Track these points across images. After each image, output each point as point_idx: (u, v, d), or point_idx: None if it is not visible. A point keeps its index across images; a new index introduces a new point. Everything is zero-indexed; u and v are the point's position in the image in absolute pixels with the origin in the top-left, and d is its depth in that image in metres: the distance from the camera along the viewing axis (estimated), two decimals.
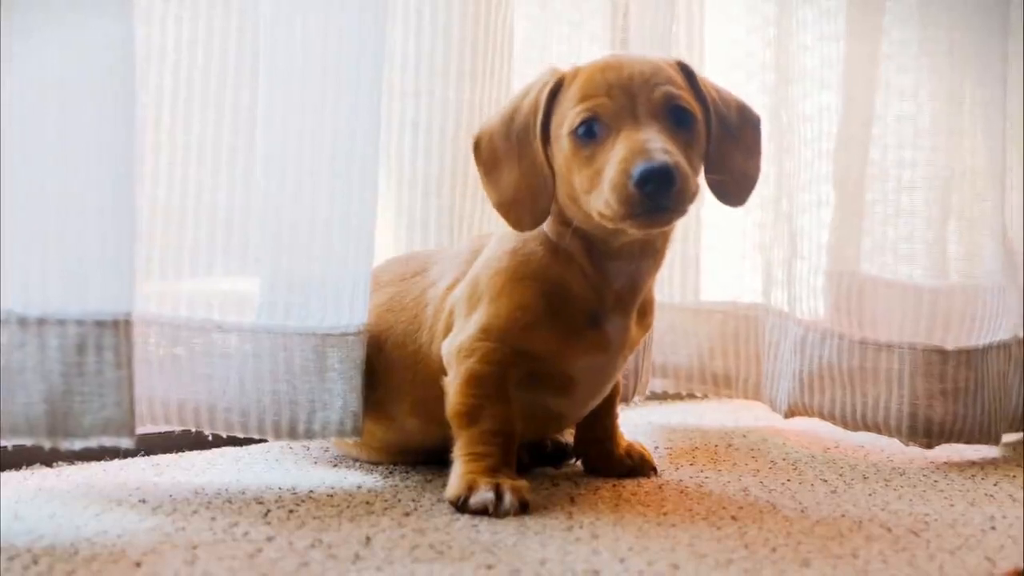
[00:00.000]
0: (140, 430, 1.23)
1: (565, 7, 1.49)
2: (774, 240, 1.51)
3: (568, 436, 1.28)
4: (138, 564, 0.86)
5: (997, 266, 1.44)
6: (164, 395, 1.13)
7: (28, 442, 0.97)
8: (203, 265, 1.15)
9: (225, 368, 1.13)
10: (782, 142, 1.49)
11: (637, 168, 0.97)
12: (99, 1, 0.97)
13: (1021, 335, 1.48)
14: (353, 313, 1.14)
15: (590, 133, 1.03)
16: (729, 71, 1.59)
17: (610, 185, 0.99)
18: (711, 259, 1.63)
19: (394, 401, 1.17)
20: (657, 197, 0.98)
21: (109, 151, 0.98)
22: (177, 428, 1.15)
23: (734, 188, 1.11)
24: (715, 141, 1.09)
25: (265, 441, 1.28)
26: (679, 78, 1.07)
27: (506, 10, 1.41)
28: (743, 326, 1.56)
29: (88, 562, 0.86)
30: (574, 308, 1.09)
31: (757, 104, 1.52)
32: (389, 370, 1.16)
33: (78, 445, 0.97)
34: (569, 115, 1.04)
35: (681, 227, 1.57)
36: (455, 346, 1.10)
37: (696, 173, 1.05)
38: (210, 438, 1.19)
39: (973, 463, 1.35)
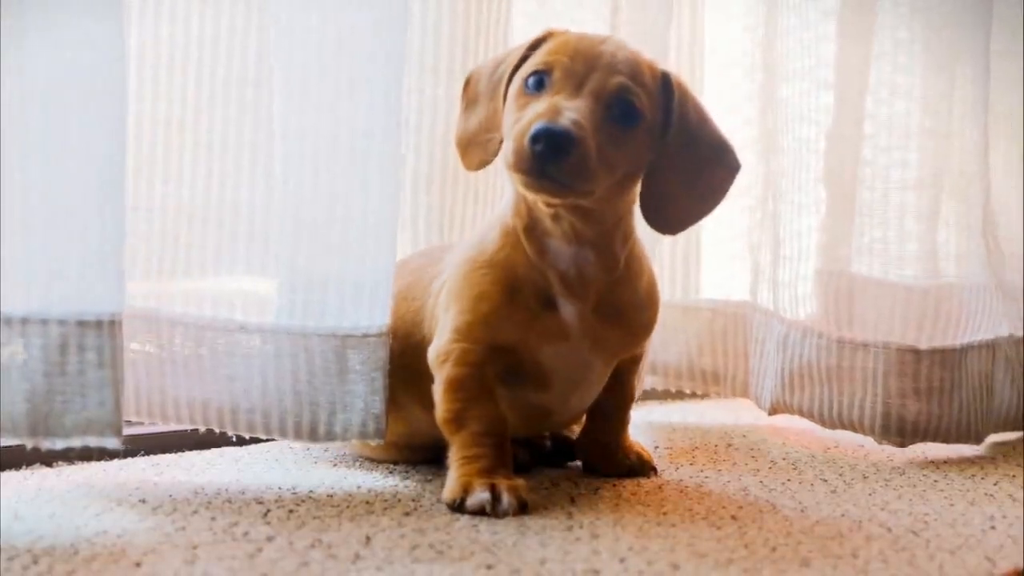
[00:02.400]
0: (144, 430, 1.25)
1: (566, 5, 1.49)
2: (762, 239, 1.51)
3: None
4: (138, 564, 0.86)
5: (978, 266, 1.44)
6: (188, 395, 1.13)
7: (10, 441, 0.97)
8: (225, 264, 1.15)
9: (247, 369, 1.13)
10: (771, 143, 1.49)
11: (536, 125, 0.98)
12: (85, 1, 0.97)
13: (1019, 335, 1.48)
14: (374, 313, 1.14)
15: (539, 85, 1.04)
16: (727, 69, 1.59)
17: (513, 134, 1.00)
18: (706, 258, 1.63)
19: (403, 388, 1.17)
20: (544, 161, 0.98)
21: (96, 151, 0.98)
22: (202, 428, 1.16)
23: (672, 217, 1.11)
24: (667, 163, 1.08)
25: (267, 441, 1.28)
26: (650, 81, 1.06)
27: (499, 8, 1.40)
28: (731, 324, 1.57)
29: (88, 562, 0.86)
30: (526, 290, 1.09)
31: (754, 104, 1.53)
32: (400, 357, 1.16)
33: (60, 445, 0.97)
34: (529, 63, 1.06)
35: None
36: (435, 352, 1.11)
37: (613, 169, 1.03)
38: (233, 438, 1.19)
39: (973, 463, 1.35)
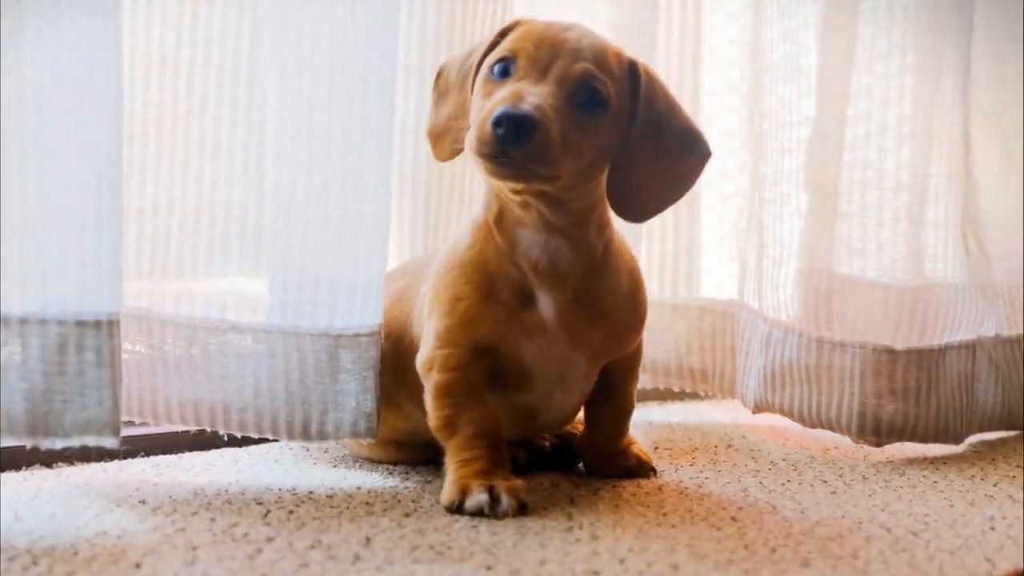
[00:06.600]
0: (143, 431, 1.25)
1: (563, 6, 1.49)
2: (749, 238, 1.52)
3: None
4: (138, 565, 0.86)
5: (959, 267, 1.45)
6: (180, 395, 1.14)
7: (9, 441, 0.98)
8: (218, 264, 1.16)
9: (240, 368, 1.13)
10: (763, 144, 1.49)
11: (498, 110, 0.98)
12: (84, 1, 0.97)
13: (1004, 335, 1.49)
14: (366, 313, 1.14)
15: (504, 72, 1.04)
16: (725, 70, 1.59)
17: (478, 120, 1.00)
18: (704, 257, 1.63)
19: (398, 387, 1.17)
20: (506, 144, 0.98)
21: (94, 151, 0.98)
22: (194, 428, 1.16)
23: (637, 205, 1.10)
24: (634, 151, 1.07)
25: (267, 441, 1.28)
26: (616, 69, 1.06)
27: (485, 8, 1.40)
28: (720, 322, 1.57)
29: (88, 563, 0.86)
30: (502, 286, 1.09)
31: (748, 105, 1.53)
32: (394, 358, 1.17)
33: (59, 444, 0.97)
34: (495, 51, 1.06)
35: (658, 225, 1.57)
36: (421, 360, 1.11)
37: (578, 156, 1.03)
38: (225, 437, 1.19)
39: (973, 464, 1.35)
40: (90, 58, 0.97)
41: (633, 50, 1.19)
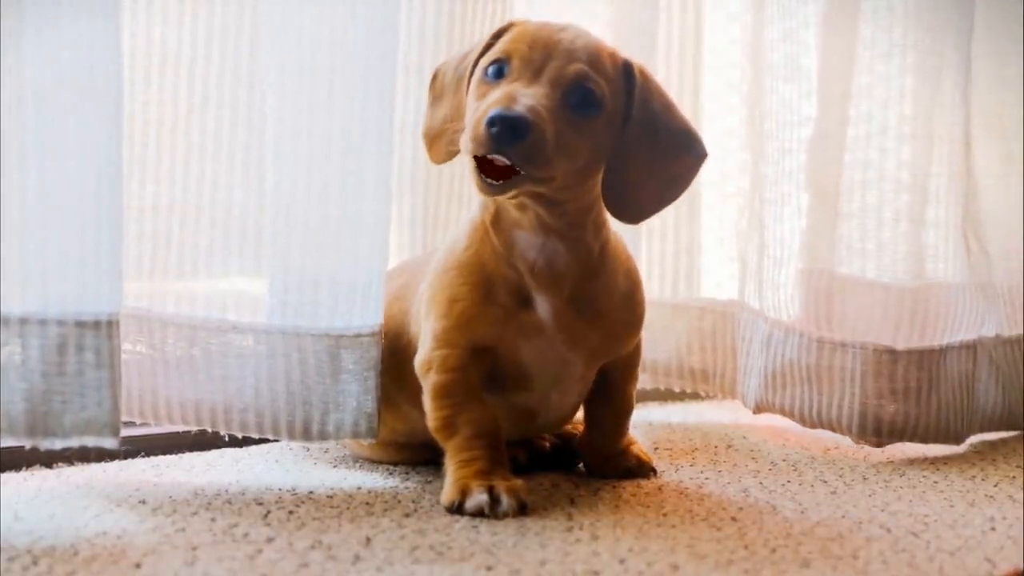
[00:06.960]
0: (144, 431, 1.25)
1: (563, 6, 1.49)
2: (749, 238, 1.52)
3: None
4: (138, 565, 0.86)
5: (959, 267, 1.45)
6: (181, 395, 1.14)
7: (9, 441, 0.98)
8: (218, 264, 1.16)
9: (241, 368, 1.13)
10: (763, 144, 1.49)
11: (492, 111, 0.98)
12: (84, 1, 0.97)
13: (1005, 335, 1.49)
14: (366, 313, 1.14)
15: (498, 73, 1.04)
16: (725, 70, 1.59)
17: (472, 122, 1.01)
18: (705, 257, 1.63)
19: (396, 387, 1.17)
20: (500, 144, 0.97)
21: (94, 151, 0.98)
22: (194, 428, 1.16)
23: (633, 206, 1.10)
24: (629, 151, 1.07)
25: (267, 442, 1.28)
26: (611, 70, 1.06)
27: (484, 8, 1.40)
28: (720, 322, 1.57)
29: (88, 563, 0.86)
30: (499, 287, 1.09)
31: (748, 105, 1.53)
32: (391, 356, 1.17)
33: (59, 445, 0.97)
34: (489, 53, 1.06)
35: (658, 225, 1.57)
36: (419, 362, 1.11)
37: (572, 157, 1.03)
38: (226, 437, 1.19)
39: (973, 464, 1.35)
40: (90, 58, 0.98)
41: (633, 50, 1.20)
